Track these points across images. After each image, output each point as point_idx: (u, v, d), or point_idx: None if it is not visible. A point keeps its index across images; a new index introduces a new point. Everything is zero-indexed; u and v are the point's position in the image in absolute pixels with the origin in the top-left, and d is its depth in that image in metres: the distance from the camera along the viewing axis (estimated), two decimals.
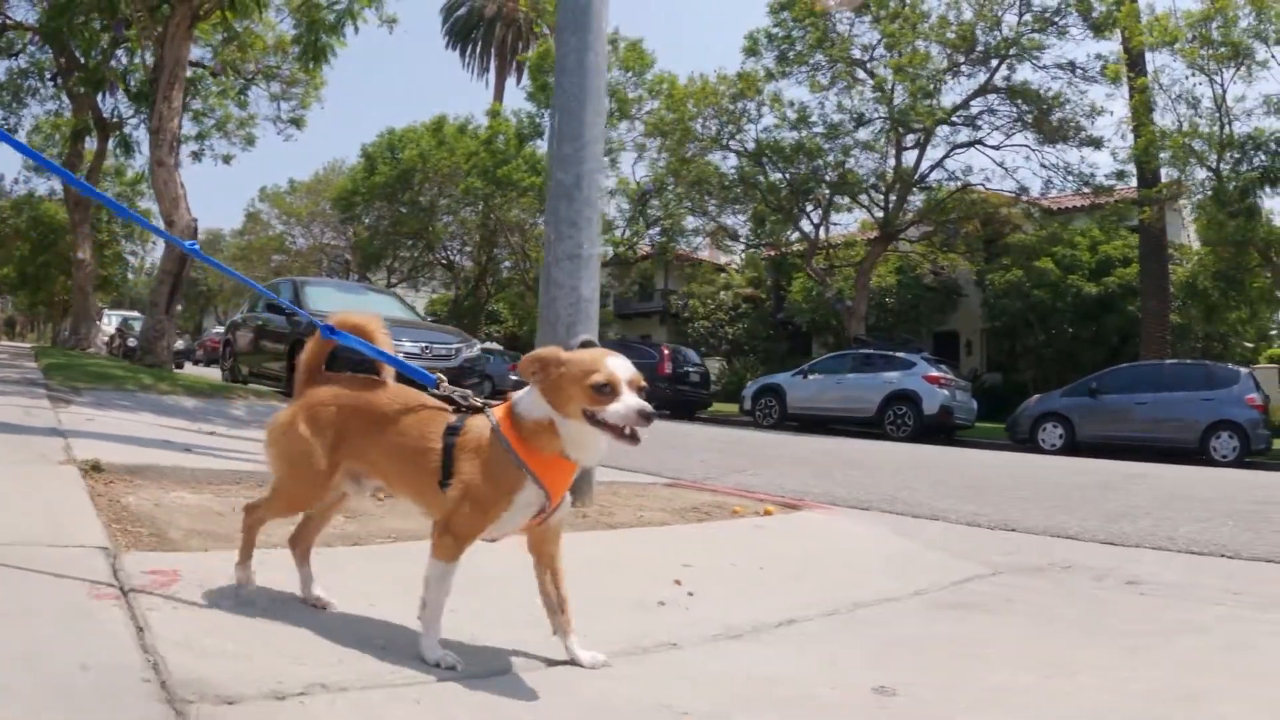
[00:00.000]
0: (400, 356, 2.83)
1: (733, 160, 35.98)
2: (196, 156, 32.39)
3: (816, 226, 36.00)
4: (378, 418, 2.57)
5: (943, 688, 2.60)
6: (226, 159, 32.81)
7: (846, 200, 34.86)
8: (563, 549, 2.62)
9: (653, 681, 2.54)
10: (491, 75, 57.98)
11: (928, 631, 3.28)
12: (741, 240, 40.93)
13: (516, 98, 58.01)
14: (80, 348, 27.12)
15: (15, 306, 75.95)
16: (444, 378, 2.71)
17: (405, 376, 2.79)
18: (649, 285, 51.30)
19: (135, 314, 55.40)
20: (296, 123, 30.49)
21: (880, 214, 33.36)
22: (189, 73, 28.12)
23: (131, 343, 40.95)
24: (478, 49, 58.41)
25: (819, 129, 33.38)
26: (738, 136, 35.10)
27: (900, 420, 22.59)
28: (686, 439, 14.78)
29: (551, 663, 2.54)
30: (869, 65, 32.27)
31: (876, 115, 32.65)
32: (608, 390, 2.28)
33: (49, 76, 27.92)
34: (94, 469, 4.68)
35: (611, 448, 2.36)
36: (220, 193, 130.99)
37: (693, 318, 45.66)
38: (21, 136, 31.66)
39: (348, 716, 2.05)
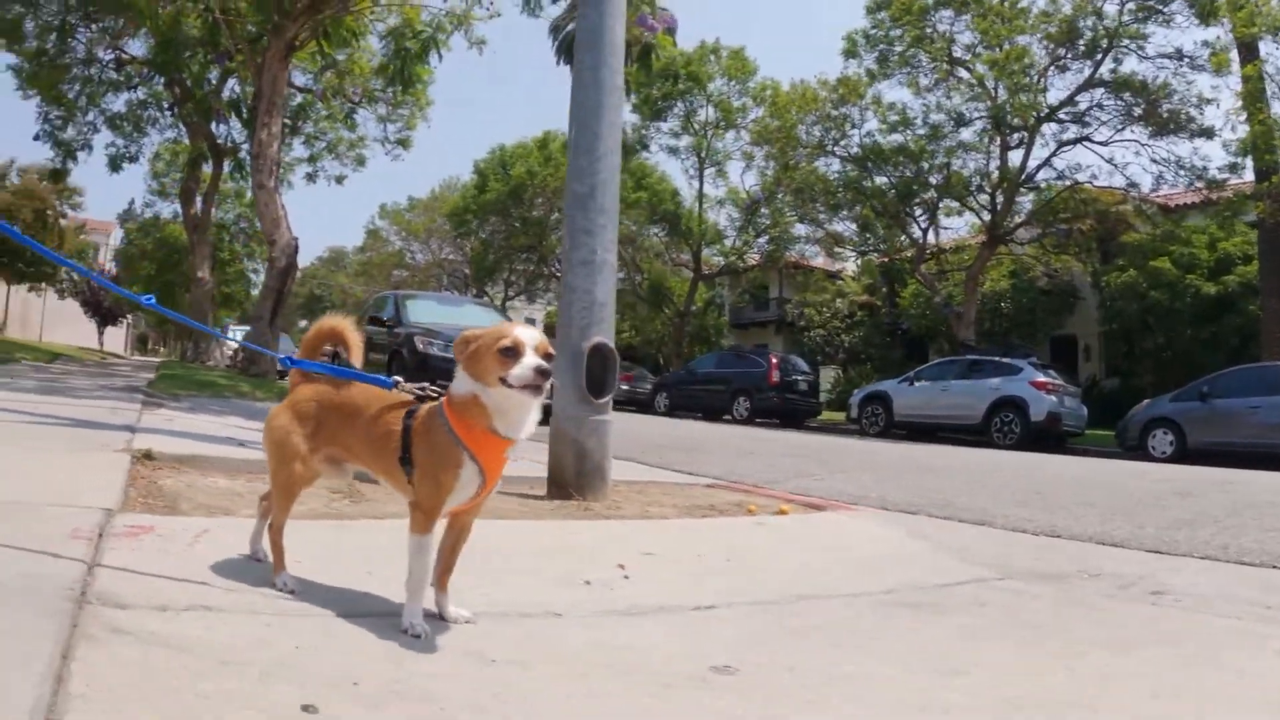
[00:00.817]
0: None
1: (836, 166, 35.57)
2: (311, 178, 33.55)
3: (924, 231, 35.42)
4: (352, 409, 2.89)
5: (787, 670, 2.56)
6: (339, 179, 33.74)
7: (953, 203, 34.15)
8: (473, 523, 2.85)
9: (500, 637, 2.67)
10: None
11: (845, 625, 3.20)
12: (849, 246, 40.44)
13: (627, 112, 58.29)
14: (200, 361, 28.00)
15: (147, 324, 79.09)
16: (401, 380, 2.91)
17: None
18: (761, 294, 51.05)
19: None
20: (403, 143, 31.10)
21: (988, 216, 32.59)
22: (298, 99, 29.26)
23: None
24: None
25: (921, 131, 32.86)
26: (842, 142, 34.73)
27: (1006, 427, 21.96)
28: (770, 445, 14.66)
29: (428, 615, 2.67)
30: (969, 63, 31.61)
31: (977, 115, 32.00)
32: (513, 353, 2.48)
33: (166, 107, 29.07)
34: (146, 457, 5.24)
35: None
36: (343, 210, 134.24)
37: (808, 326, 45.24)
38: (143, 164, 32.96)
39: (208, 628, 2.41)
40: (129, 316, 64.81)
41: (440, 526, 2.71)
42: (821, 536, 5.17)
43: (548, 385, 2.50)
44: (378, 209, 69.52)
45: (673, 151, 43.91)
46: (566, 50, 61.04)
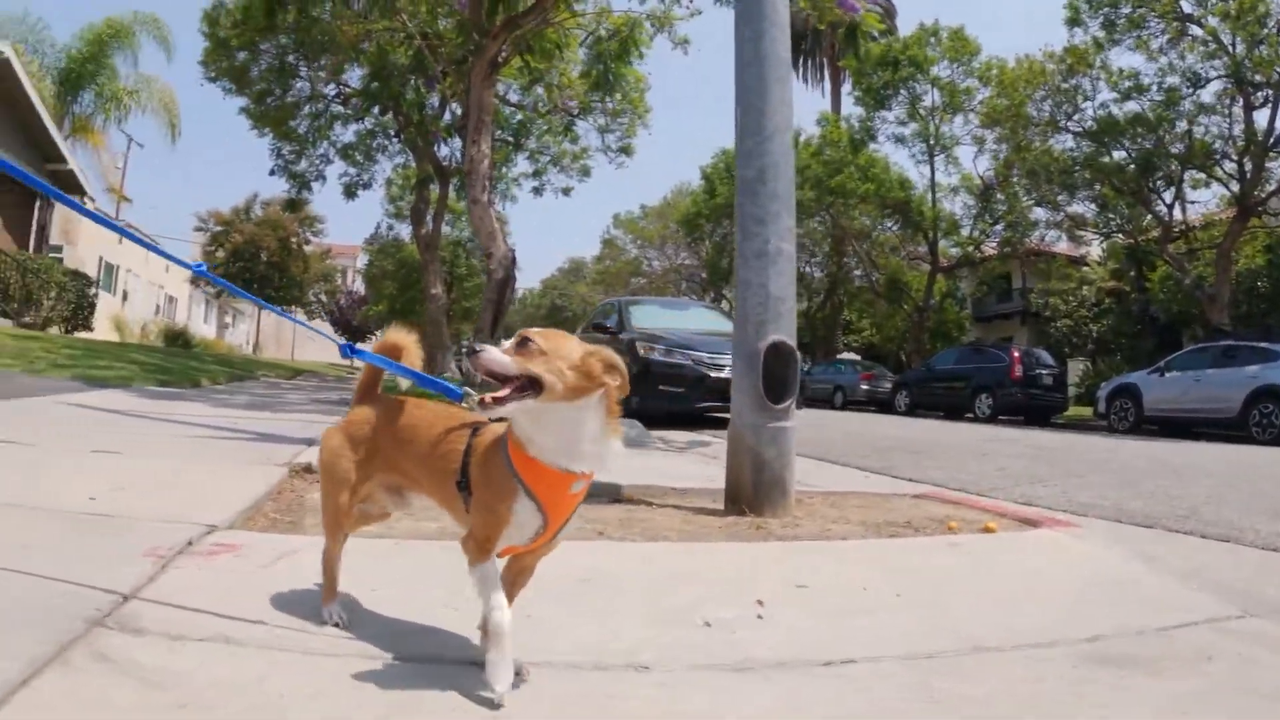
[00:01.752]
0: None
1: (1070, 142, 33.64)
2: (537, 192, 33.94)
3: (1169, 207, 33.00)
4: (411, 430, 2.60)
5: None
6: (566, 191, 34.01)
7: (1198, 174, 31.63)
8: (537, 565, 2.52)
9: (541, 700, 2.27)
10: (827, 84, 57.29)
11: (1015, 694, 2.49)
12: (1091, 229, 38.22)
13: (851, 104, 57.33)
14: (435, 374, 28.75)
15: None
16: (471, 391, 2.50)
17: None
18: (1002, 285, 49.17)
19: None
20: (625, 151, 31.03)
21: (1236, 186, 29.92)
22: (518, 116, 29.84)
23: None
24: (810, 60, 57.88)
25: (1157, 97, 30.50)
26: (1074, 116, 32.83)
27: (1266, 420, 19.45)
28: (1005, 446, 13.65)
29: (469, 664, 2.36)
30: (1199, 19, 29.07)
31: (1215, 74, 29.44)
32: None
33: (392, 134, 30.15)
34: (306, 470, 5.54)
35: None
36: (580, 221, 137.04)
37: (1053, 317, 43.06)
38: (377, 190, 34.31)
39: (203, 663, 2.29)
40: (377, 334, 67.68)
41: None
42: (1025, 561, 4.36)
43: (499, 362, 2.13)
44: (612, 218, 70.45)
45: (900, 140, 42.53)
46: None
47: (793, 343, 5.55)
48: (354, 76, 26.95)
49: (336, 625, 2.57)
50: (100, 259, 41.38)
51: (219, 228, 54.76)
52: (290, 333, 65.78)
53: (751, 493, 5.36)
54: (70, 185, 30.65)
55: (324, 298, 62.47)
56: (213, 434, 7.61)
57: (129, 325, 41.10)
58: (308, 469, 5.51)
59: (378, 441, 2.63)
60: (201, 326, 60.33)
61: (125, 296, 46.06)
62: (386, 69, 21.75)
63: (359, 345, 3.02)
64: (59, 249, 36.22)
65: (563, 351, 2.17)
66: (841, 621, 3.11)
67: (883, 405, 32.31)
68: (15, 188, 28.78)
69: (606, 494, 5.71)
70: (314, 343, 64.00)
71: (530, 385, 2.12)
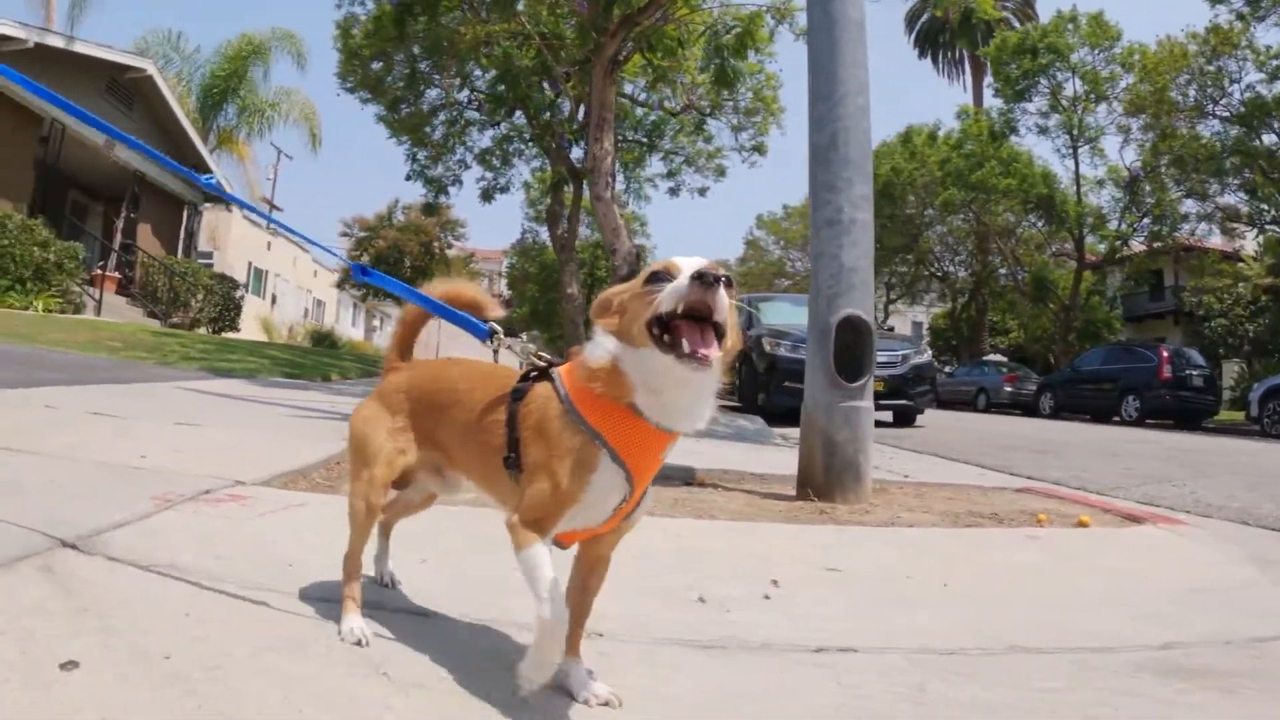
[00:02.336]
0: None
1: (1217, 127, 32.09)
2: (673, 192, 33.76)
3: None
4: (449, 395, 2.23)
5: None
6: (701, 191, 33.76)
7: None
8: (611, 555, 2.11)
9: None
10: (967, 77, 55.82)
11: (1040, 703, 2.12)
12: (1244, 222, 36.40)
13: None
14: None
15: (541, 337, 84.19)
16: (499, 328, 2.43)
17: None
18: (1150, 282, 47.31)
19: None
20: (759, 150, 30.68)
21: None
22: (651, 116, 29.82)
23: None
24: (947, 53, 56.61)
25: None
26: (1221, 101, 31.28)
27: None
28: (1141, 448, 12.90)
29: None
30: None
31: None
32: (663, 278, 1.77)
33: (527, 138, 30.44)
34: None
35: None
36: (723, 223, 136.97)
37: (1207, 316, 41.06)
38: (514, 194, 34.73)
39: (131, 582, 2.46)
40: (523, 335, 68.55)
41: (565, 557, 2.02)
42: (1112, 559, 3.91)
43: (721, 303, 1.72)
44: (755, 219, 69.86)
45: (1042, 132, 41.09)
46: (922, 40, 58.86)
47: (867, 317, 5.22)
48: (484, 82, 27.28)
49: (359, 644, 2.15)
50: (249, 264, 42.91)
51: (363, 233, 56.04)
52: (436, 334, 67.14)
53: (822, 477, 5.06)
54: (216, 195, 31.68)
55: None
56: (307, 415, 7.74)
57: (276, 327, 42.40)
58: None
59: (415, 412, 2.30)
60: (349, 329, 61.98)
61: (274, 300, 47.54)
62: (511, 72, 21.95)
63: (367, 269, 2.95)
64: (209, 255, 37.68)
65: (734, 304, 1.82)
66: (864, 609, 2.83)
67: (1027, 408, 31.23)
68: (165, 198, 30.01)
69: (679, 477, 5.56)
70: (459, 344, 65.24)
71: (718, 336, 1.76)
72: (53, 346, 12.70)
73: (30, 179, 23.74)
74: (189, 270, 28.81)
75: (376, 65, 25.84)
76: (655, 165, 34.19)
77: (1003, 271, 46.88)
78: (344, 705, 1.84)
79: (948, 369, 41.41)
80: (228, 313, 30.37)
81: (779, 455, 7.86)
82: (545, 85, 23.61)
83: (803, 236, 61.53)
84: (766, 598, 2.86)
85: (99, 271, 25.73)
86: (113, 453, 4.38)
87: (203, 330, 27.75)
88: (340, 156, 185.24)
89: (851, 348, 5.14)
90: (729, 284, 1.75)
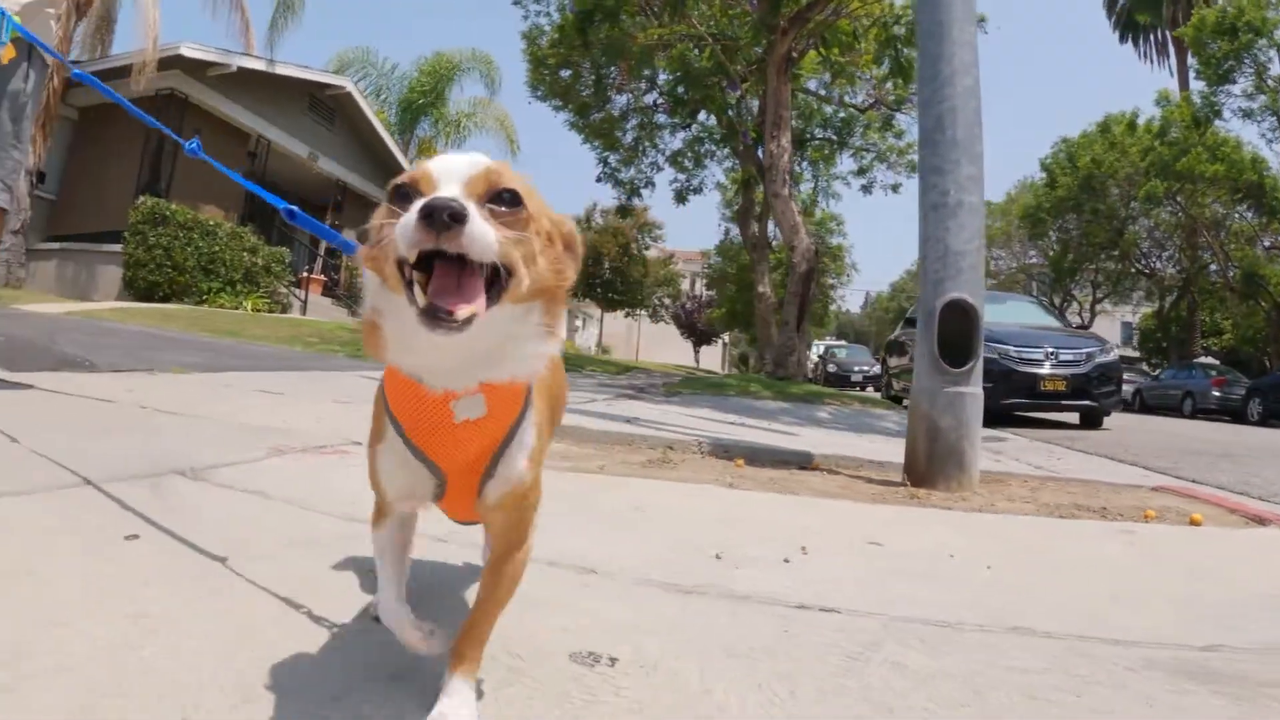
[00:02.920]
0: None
1: None
2: (866, 190, 33.39)
3: None
4: None
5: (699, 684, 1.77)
6: (894, 188, 33.28)
7: None
8: (521, 544, 1.67)
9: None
10: (1172, 60, 52.89)
11: (999, 684, 1.97)
12: None
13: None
14: (765, 371, 28.76)
15: (747, 344, 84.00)
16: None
17: None
18: None
19: (840, 343, 58.81)
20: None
21: None
22: (842, 113, 29.65)
23: (831, 368, 42.91)
24: (1151, 36, 53.89)
25: None
26: None
27: None
28: None
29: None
30: None
31: None
32: (408, 194, 1.35)
33: (717, 138, 30.66)
34: None
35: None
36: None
37: None
38: (709, 195, 34.92)
39: (228, 504, 3.07)
40: (725, 336, 68.44)
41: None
42: (1208, 557, 3.62)
43: (475, 242, 1.28)
44: None
45: (1247, 115, 38.69)
46: (1123, 26, 56.09)
47: (974, 301, 5.12)
48: (665, 84, 27.62)
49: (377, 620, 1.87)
50: None
51: None
52: (636, 335, 68.00)
53: (924, 464, 4.99)
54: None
55: (667, 301, 63.93)
56: None
57: None
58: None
59: None
60: None
61: None
62: (690, 74, 22.15)
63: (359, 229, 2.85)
64: None
65: (539, 219, 1.45)
66: (877, 580, 2.78)
67: (1235, 414, 29.32)
68: (367, 204, 31.47)
69: (795, 461, 5.66)
70: (664, 346, 65.83)
71: (495, 278, 1.37)
72: (253, 340, 13.73)
73: (241, 191, 25.36)
74: None
75: (565, 73, 26.44)
76: (846, 163, 33.88)
77: (1213, 268, 44.35)
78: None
79: (1155, 372, 39.55)
80: None
81: None
82: (725, 86, 23.71)
83: (1002, 231, 59.73)
84: (786, 561, 2.91)
85: (305, 274, 27.55)
86: (258, 419, 5.11)
87: None
88: (537, 162, 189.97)
89: (957, 332, 5.05)
90: (508, 202, 1.38)
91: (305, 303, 25.99)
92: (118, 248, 21.29)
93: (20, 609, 1.86)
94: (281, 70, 25.44)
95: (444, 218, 1.26)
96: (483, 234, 1.30)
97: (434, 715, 1.53)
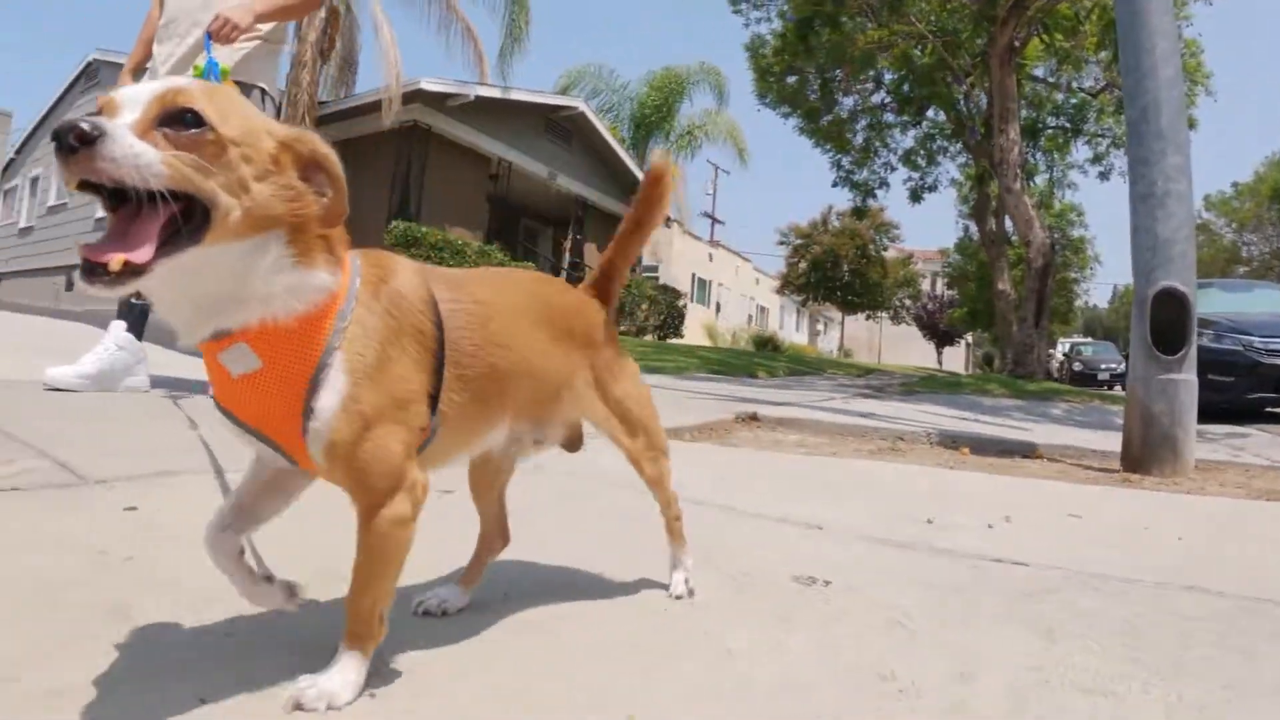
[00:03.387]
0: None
1: None
2: (1103, 176, 32.25)
3: None
4: None
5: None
6: None
7: None
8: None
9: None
10: None
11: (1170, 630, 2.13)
12: None
13: None
14: (1005, 370, 28.26)
15: (989, 344, 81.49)
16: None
17: None
18: None
19: (1086, 340, 56.51)
20: (1189, 124, 28.80)
21: None
22: (1073, 100, 28.80)
23: (1077, 366, 41.55)
24: None
25: None
26: None
27: None
28: None
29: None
30: None
31: None
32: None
33: (948, 133, 30.25)
34: (751, 418, 6.91)
35: None
36: None
37: None
38: (944, 192, 34.48)
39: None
40: (968, 336, 66.87)
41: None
42: None
43: (121, 167, 1.16)
44: (1202, 200, 64.26)
45: None
46: None
47: (1185, 288, 5.17)
48: (890, 83, 27.48)
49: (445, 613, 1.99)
50: (693, 275, 45.46)
51: (799, 240, 57.03)
52: (878, 338, 67.26)
53: (1138, 450, 5.08)
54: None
55: (908, 302, 62.96)
56: (709, 397, 8.77)
57: (720, 333, 44.30)
58: (753, 416, 6.89)
59: None
60: (793, 334, 63.27)
61: (718, 308, 49.70)
62: (914, 71, 22.02)
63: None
64: (654, 268, 40.25)
65: (250, 139, 1.33)
66: (1069, 544, 3.03)
67: None
68: (608, 219, 32.50)
69: (1019, 450, 5.92)
70: (905, 347, 64.87)
71: (190, 213, 1.26)
72: None
73: (485, 211, 26.72)
74: (634, 283, 30.99)
75: (790, 79, 26.62)
76: (1081, 150, 32.76)
77: None
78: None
79: None
80: (671, 320, 32.24)
81: None
82: (950, 80, 23.43)
83: (1251, 213, 56.29)
84: (989, 527, 3.21)
85: None
86: None
87: (648, 337, 29.78)
88: (771, 168, 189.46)
89: (1170, 320, 5.10)
90: (189, 123, 1.25)
91: None
92: None
93: None
94: (516, 96, 26.59)
95: (70, 140, 1.14)
96: (128, 155, 1.17)
97: (301, 683, 1.47)
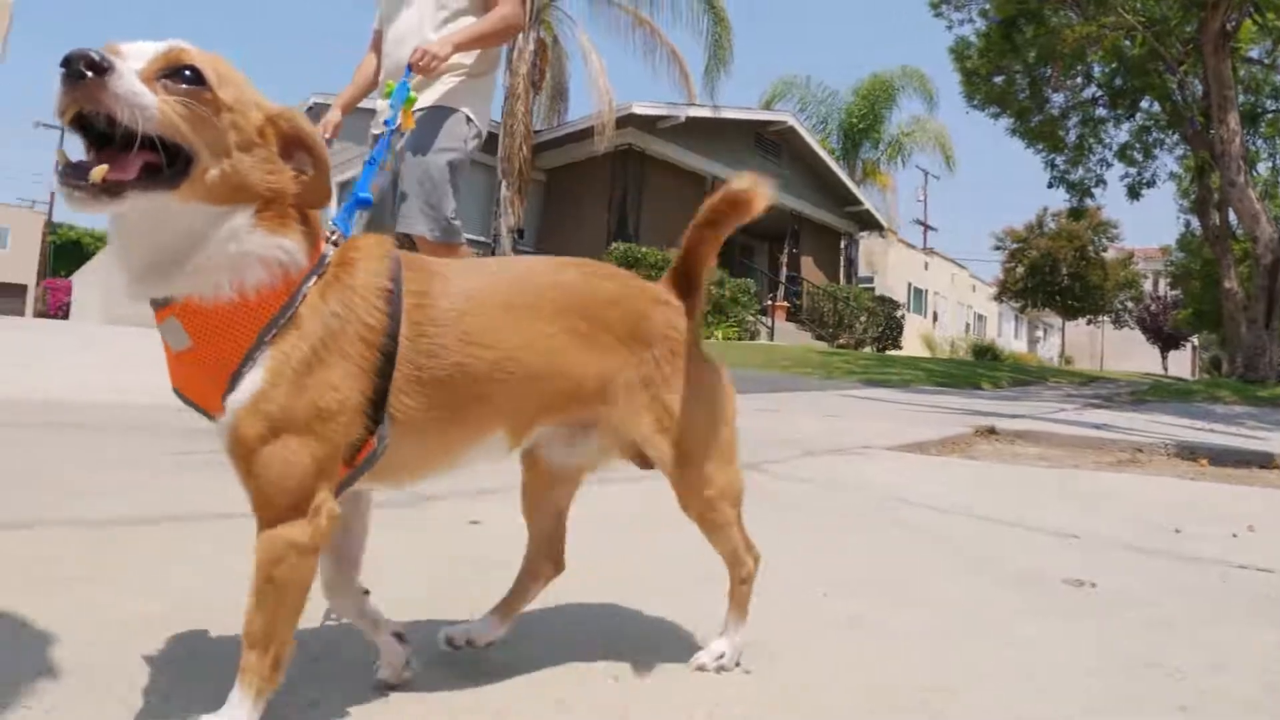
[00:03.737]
0: None
1: None
2: None
3: None
4: None
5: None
6: None
7: None
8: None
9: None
10: None
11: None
12: None
13: None
14: (1235, 375, 27.17)
15: (1219, 347, 77.16)
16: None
17: None
18: None
19: None
20: None
21: None
22: None
23: None
24: None
25: None
26: None
27: None
28: None
29: None
30: None
31: None
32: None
33: (1164, 125, 29.26)
34: (989, 431, 7.20)
35: None
36: None
37: None
38: (1163, 186, 33.33)
39: None
40: (1194, 339, 63.88)
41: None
42: None
43: (118, 100, 1.23)
44: None
45: None
46: None
47: None
48: (1100, 77, 26.85)
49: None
50: (909, 285, 45.34)
51: (1015, 244, 55.47)
52: (1099, 344, 64.77)
53: None
54: (868, 222, 35.86)
55: (1130, 305, 60.39)
56: (943, 410, 9.26)
57: (938, 343, 43.75)
58: (990, 430, 7.18)
59: None
60: (1011, 341, 61.65)
61: (935, 317, 49.07)
62: (1126, 63, 21.58)
63: None
64: (869, 279, 40.24)
65: (240, 108, 1.41)
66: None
67: None
68: (823, 231, 32.78)
69: (1255, 460, 6.13)
70: (1129, 353, 62.40)
71: (170, 161, 1.34)
72: (732, 366, 15.12)
73: None
74: (850, 295, 31.34)
75: (997, 80, 26.35)
76: None
77: None
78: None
79: None
80: (890, 331, 32.37)
81: None
82: (1164, 70, 22.81)
83: None
84: (1234, 536, 3.50)
85: (770, 302, 29.21)
86: (780, 432, 6.37)
87: (867, 349, 30.05)
88: (983, 172, 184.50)
89: None
90: (189, 79, 1.33)
91: (772, 329, 27.83)
92: None
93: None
94: (725, 114, 27.38)
95: (80, 66, 1.20)
96: (131, 93, 1.25)
97: None
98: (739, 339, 24.61)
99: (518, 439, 1.75)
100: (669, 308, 1.89)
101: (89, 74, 1.19)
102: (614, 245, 23.59)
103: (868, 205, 34.90)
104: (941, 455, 5.93)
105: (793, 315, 30.45)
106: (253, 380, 1.40)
